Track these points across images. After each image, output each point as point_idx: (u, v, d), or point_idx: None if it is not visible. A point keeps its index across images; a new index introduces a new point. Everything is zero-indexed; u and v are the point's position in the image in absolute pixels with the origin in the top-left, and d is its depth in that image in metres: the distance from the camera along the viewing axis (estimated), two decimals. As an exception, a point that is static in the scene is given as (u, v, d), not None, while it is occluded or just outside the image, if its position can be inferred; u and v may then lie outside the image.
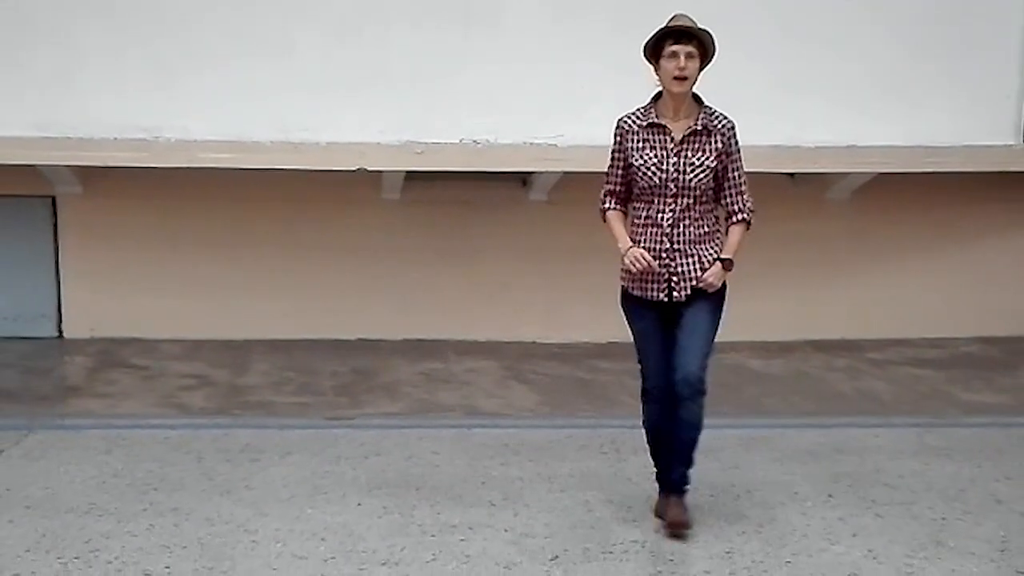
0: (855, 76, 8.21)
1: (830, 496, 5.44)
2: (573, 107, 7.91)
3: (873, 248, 9.24)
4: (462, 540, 4.84)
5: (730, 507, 5.26)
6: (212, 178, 8.16)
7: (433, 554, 4.68)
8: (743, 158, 4.90)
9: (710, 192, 4.84)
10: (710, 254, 4.84)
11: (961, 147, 8.30)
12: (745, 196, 4.88)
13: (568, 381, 7.78)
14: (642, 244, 4.88)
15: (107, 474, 5.56)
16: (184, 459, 5.81)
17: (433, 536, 4.87)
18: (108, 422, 6.53)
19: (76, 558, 4.57)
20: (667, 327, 4.89)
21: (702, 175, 4.79)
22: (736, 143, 4.85)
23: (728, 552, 4.77)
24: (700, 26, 4.78)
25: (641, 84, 8.18)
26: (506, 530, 4.96)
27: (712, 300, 4.89)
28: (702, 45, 4.76)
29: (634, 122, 4.92)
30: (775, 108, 7.98)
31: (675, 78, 4.76)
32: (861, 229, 9.18)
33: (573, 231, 8.79)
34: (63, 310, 8.70)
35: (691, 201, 4.81)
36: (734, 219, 4.89)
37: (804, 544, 4.87)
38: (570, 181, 8.40)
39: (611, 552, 4.75)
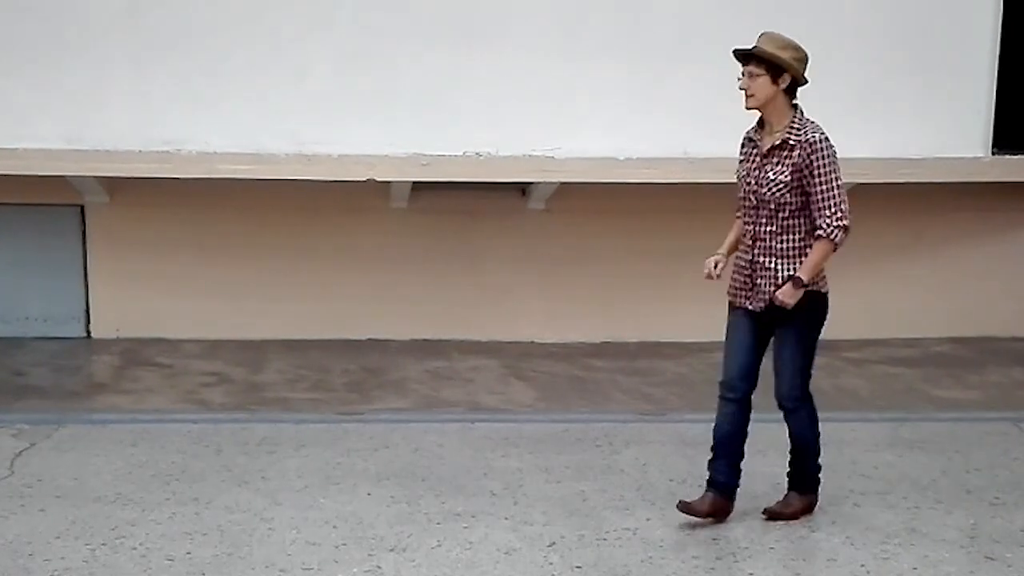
0: (833, 92, 8.14)
1: (810, 486, 5.43)
2: (570, 122, 7.92)
3: (851, 253, 9.13)
4: (465, 527, 4.84)
5: (717, 496, 5.25)
6: (231, 188, 8.16)
7: (438, 540, 4.69)
8: (831, 173, 4.62)
9: (792, 207, 4.66)
10: (789, 270, 4.70)
11: (933, 159, 8.30)
12: (830, 212, 4.59)
13: (564, 378, 7.78)
14: (738, 253, 4.89)
15: (132, 465, 5.56)
16: (204, 451, 5.81)
17: (438, 523, 4.88)
18: (133, 417, 6.53)
19: (103, 544, 4.58)
20: (760, 334, 4.85)
21: (775, 189, 4.66)
22: (819, 158, 4.62)
23: (715, 539, 4.78)
24: (763, 44, 4.71)
25: (634, 100, 8.25)
26: (506, 518, 4.96)
27: (800, 318, 4.74)
28: (765, 61, 4.66)
29: (746, 135, 4.90)
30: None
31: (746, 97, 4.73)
32: (840, 236, 9.17)
33: (570, 238, 8.81)
34: (91, 312, 8.69)
35: (771, 215, 4.70)
36: (818, 236, 4.65)
37: (786, 531, 4.88)
38: (567, 191, 8.41)
39: (605, 539, 4.75)
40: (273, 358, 8.16)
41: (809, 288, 4.69)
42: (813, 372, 4.94)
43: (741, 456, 4.94)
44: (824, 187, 4.61)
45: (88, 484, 5.28)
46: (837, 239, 4.63)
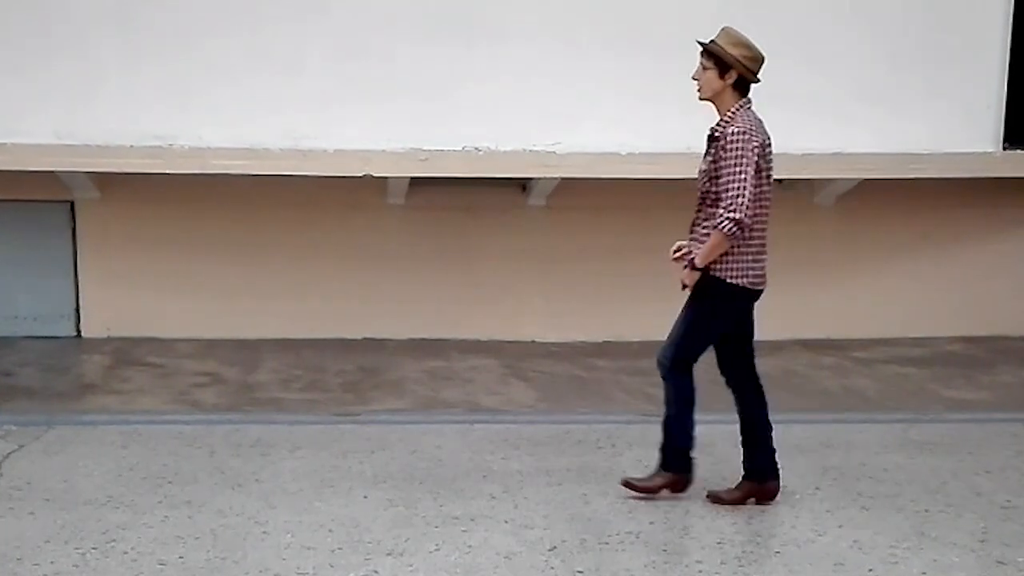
0: (841, 86, 8.21)
1: (817, 489, 5.44)
2: (570, 116, 7.92)
3: (859, 250, 9.23)
4: (464, 531, 4.83)
5: (721, 499, 5.25)
6: (224, 184, 8.16)
7: (436, 544, 4.68)
8: (736, 166, 4.84)
9: (714, 195, 4.92)
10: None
11: (942, 154, 8.30)
12: (725, 204, 4.83)
13: (565, 378, 7.78)
14: None
15: (123, 468, 5.55)
16: (197, 453, 5.80)
17: (436, 527, 4.87)
18: (124, 418, 6.52)
19: (94, 548, 4.57)
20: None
21: (701, 178, 4.99)
22: (728, 152, 4.85)
23: (720, 543, 4.77)
24: (719, 39, 4.98)
25: (637, 94, 8.25)
26: (506, 521, 4.95)
27: (694, 297, 5.04)
28: (714, 56, 4.94)
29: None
30: (764, 115, 7.96)
31: None
32: (847, 232, 9.18)
33: (571, 235, 8.81)
34: (81, 311, 8.69)
35: (700, 202, 5.01)
36: (713, 225, 4.89)
37: (793, 535, 4.87)
38: (567, 187, 8.41)
39: (607, 543, 4.75)
40: (267, 358, 8.15)
41: (711, 273, 4.93)
42: (696, 358, 5.12)
43: (754, 442, 5.19)
44: (726, 179, 4.85)
45: (78, 487, 5.27)
46: (726, 229, 4.82)
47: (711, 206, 4.94)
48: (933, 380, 7.93)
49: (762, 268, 5.05)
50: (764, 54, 4.99)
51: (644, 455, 5.83)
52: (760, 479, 5.18)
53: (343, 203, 8.61)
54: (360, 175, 7.86)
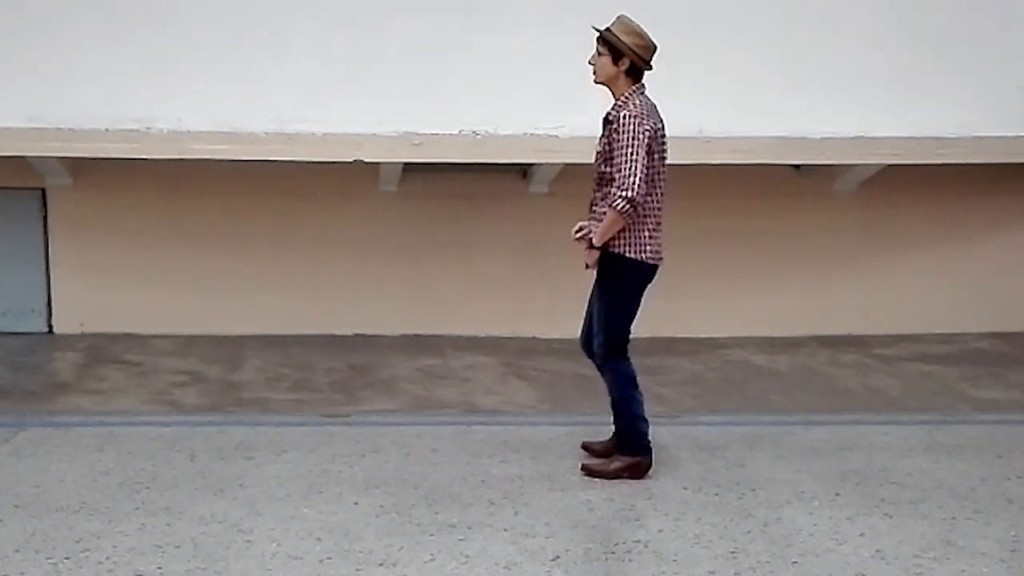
0: (862, 65, 8.19)
1: (837, 495, 5.43)
2: (574, 97, 7.84)
3: (881, 241, 9.23)
4: (461, 540, 4.83)
5: (735, 506, 5.26)
6: (205, 170, 8.16)
7: (431, 554, 4.68)
8: (627, 147, 5.27)
9: (608, 175, 5.39)
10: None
11: (971, 138, 8.29)
12: (618, 183, 5.27)
13: (569, 377, 7.78)
14: None
15: (98, 472, 5.55)
16: (177, 457, 5.80)
17: (431, 536, 4.87)
18: (99, 419, 6.52)
19: (66, 558, 4.56)
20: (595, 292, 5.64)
21: (596, 159, 5.50)
22: (619, 134, 5.31)
23: (733, 552, 4.77)
24: (613, 27, 5.49)
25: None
26: (506, 530, 4.95)
27: (603, 278, 5.52)
28: (608, 43, 5.47)
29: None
30: (780, 98, 7.98)
31: None
32: (868, 222, 9.17)
33: (574, 224, 8.79)
34: (53, 305, 8.70)
35: (597, 182, 5.50)
36: (608, 203, 5.33)
37: (811, 544, 4.87)
38: (571, 173, 8.39)
39: (613, 552, 4.75)
40: (251, 355, 8.16)
41: (611, 250, 5.39)
42: (629, 335, 5.56)
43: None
44: (618, 160, 5.32)
45: (50, 493, 5.27)
46: (619, 207, 5.27)
47: (607, 185, 5.40)
48: (960, 379, 7.94)
49: (658, 244, 5.50)
50: (656, 43, 5.46)
51: (652, 458, 5.83)
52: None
53: (332, 191, 8.61)
54: (350, 161, 7.86)
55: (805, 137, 8.15)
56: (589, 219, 5.51)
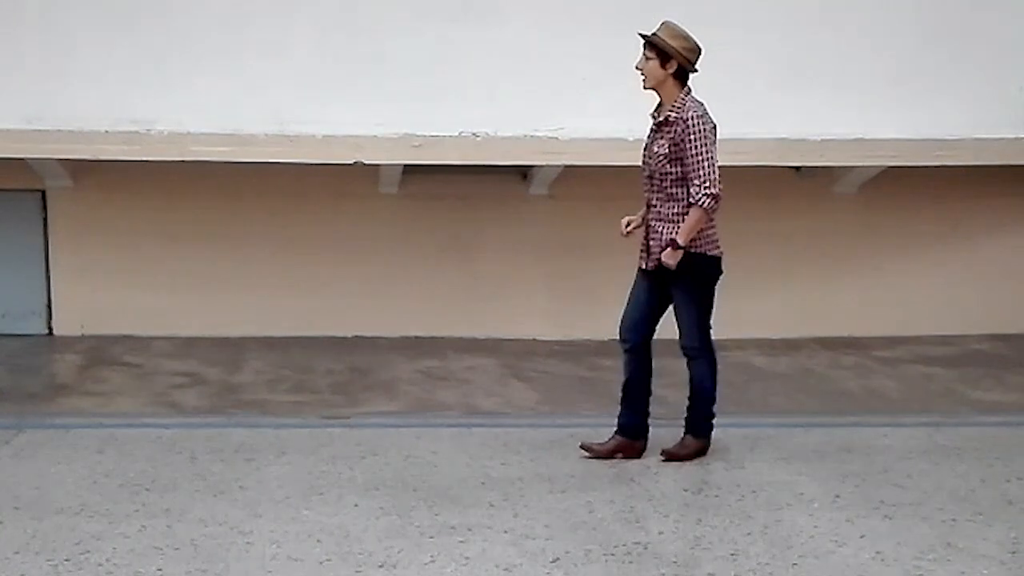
0: (863, 66, 8.20)
1: (837, 497, 5.43)
2: (575, 99, 7.91)
3: (881, 243, 9.23)
4: (461, 542, 4.83)
5: (735, 508, 5.26)
6: (205, 172, 8.16)
7: (431, 556, 4.68)
8: (702, 146, 5.45)
9: (673, 176, 5.56)
10: (672, 234, 5.55)
11: (972, 140, 8.29)
12: (699, 182, 5.47)
13: (569, 379, 7.78)
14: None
15: (98, 474, 5.55)
16: (177, 459, 5.80)
17: (431, 538, 4.87)
18: (99, 421, 6.52)
19: (66, 560, 4.56)
20: (655, 291, 5.72)
21: (658, 161, 5.59)
22: (691, 134, 5.48)
23: (733, 554, 4.77)
24: (660, 32, 5.59)
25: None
26: (506, 531, 4.95)
27: (686, 278, 5.61)
28: (656, 47, 5.56)
29: (650, 115, 5.78)
30: (780, 99, 7.98)
31: None
32: (869, 224, 9.17)
33: (575, 226, 8.81)
34: (53, 307, 8.70)
35: (658, 184, 5.62)
36: (691, 203, 5.52)
37: (811, 546, 4.87)
38: (572, 175, 8.41)
39: (613, 554, 4.75)
40: (251, 357, 8.15)
41: (692, 251, 5.56)
42: (712, 326, 5.80)
43: (644, 400, 5.87)
44: (695, 160, 5.50)
45: (50, 494, 5.27)
46: (706, 205, 5.49)
47: (671, 187, 5.57)
48: (961, 381, 7.93)
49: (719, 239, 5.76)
50: (701, 46, 5.60)
51: (653, 461, 5.84)
52: (633, 436, 5.86)
53: (332, 192, 8.61)
54: (350, 162, 7.86)
55: (805, 139, 8.15)
56: (653, 220, 5.65)
